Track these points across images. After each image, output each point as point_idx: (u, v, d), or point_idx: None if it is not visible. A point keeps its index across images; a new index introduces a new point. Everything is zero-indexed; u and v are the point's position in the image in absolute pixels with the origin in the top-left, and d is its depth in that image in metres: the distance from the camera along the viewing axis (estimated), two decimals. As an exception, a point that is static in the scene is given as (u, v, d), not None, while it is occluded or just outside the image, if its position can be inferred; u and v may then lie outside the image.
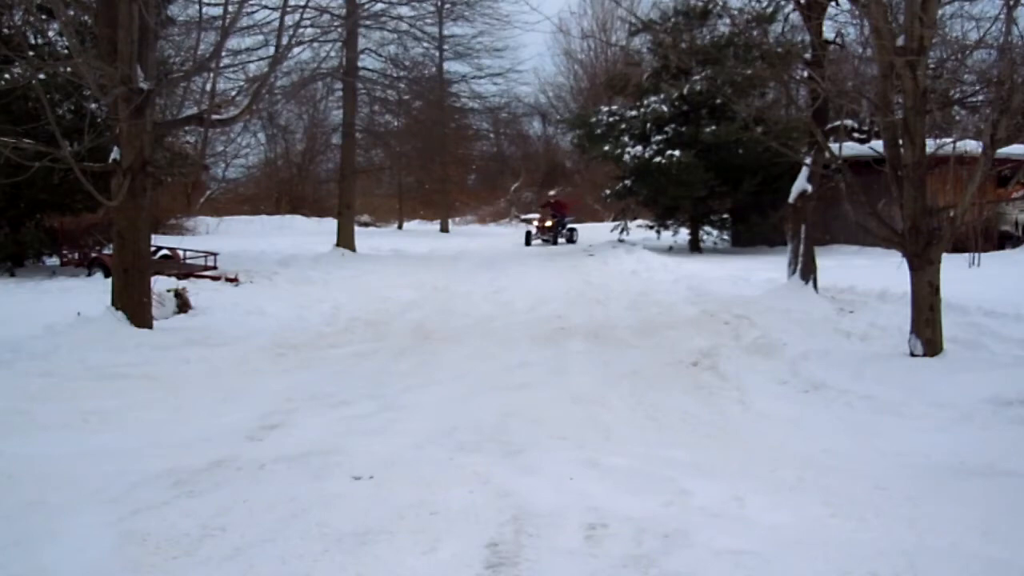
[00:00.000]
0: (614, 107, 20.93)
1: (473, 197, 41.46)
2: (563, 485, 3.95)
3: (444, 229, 33.70)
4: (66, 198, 14.99)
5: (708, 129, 18.30)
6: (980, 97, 7.44)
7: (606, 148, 19.67)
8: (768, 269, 12.43)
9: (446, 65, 29.78)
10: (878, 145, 7.24)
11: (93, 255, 14.84)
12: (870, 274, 10.61)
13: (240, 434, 4.99)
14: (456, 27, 28.24)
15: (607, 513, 3.56)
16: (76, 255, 15.72)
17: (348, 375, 6.97)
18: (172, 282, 10.72)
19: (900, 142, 6.46)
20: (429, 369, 7.20)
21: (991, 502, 3.73)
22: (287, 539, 3.33)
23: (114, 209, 8.70)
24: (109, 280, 9.54)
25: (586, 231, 25.78)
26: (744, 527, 3.44)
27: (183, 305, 9.90)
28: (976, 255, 12.20)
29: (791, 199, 10.26)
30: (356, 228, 22.89)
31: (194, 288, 10.87)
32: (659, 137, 18.91)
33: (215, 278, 13.22)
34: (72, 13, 10.63)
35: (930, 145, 6.87)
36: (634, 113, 19.58)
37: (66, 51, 11.69)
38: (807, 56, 9.21)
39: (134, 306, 8.47)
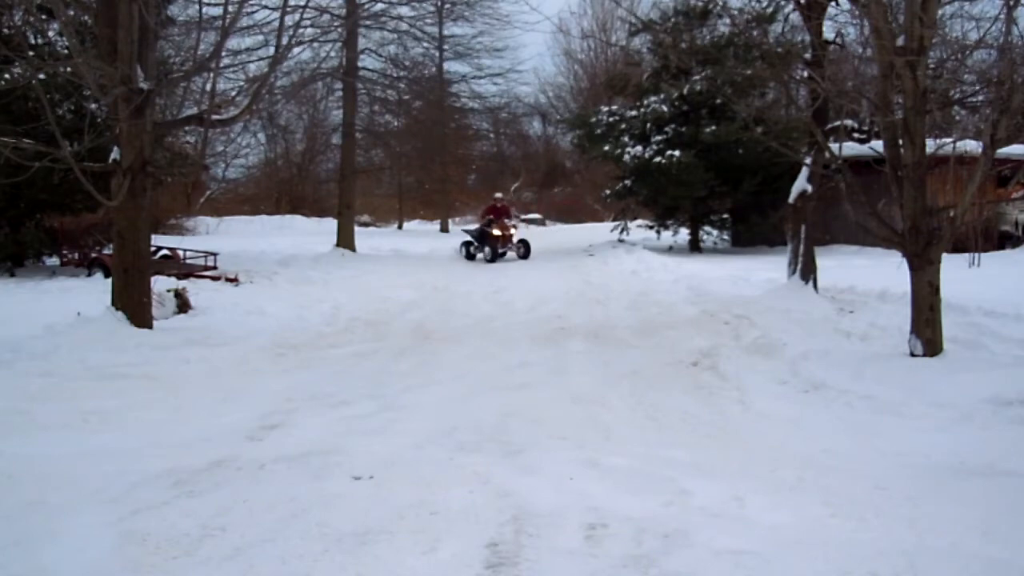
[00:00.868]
0: (614, 107, 20.94)
1: (473, 197, 41.42)
2: (563, 485, 3.95)
3: (444, 229, 33.70)
4: (66, 198, 14.99)
5: (708, 129, 18.30)
6: (980, 97, 7.44)
7: (606, 148, 19.67)
8: (768, 269, 12.44)
9: (446, 65, 29.81)
10: (878, 145, 7.24)
11: (93, 255, 14.84)
12: (870, 274, 10.61)
13: (240, 434, 4.99)
14: (456, 27, 28.27)
15: (607, 513, 3.56)
16: (76, 255, 15.71)
17: (348, 375, 6.97)
18: (172, 282, 10.72)
19: (900, 142, 6.46)
20: (429, 369, 7.20)
21: (991, 502, 3.73)
22: (287, 539, 3.33)
23: (114, 209, 8.69)
24: (109, 280, 9.54)
25: (586, 231, 25.78)
26: (744, 527, 3.44)
27: (183, 305, 9.90)
28: (976, 255, 12.20)
29: (791, 199, 10.26)
30: (356, 228, 22.89)
31: (194, 288, 10.87)
32: (659, 137, 18.92)
33: (215, 278, 13.22)
34: (72, 13, 10.63)
35: (930, 145, 6.86)
36: (634, 113, 19.58)
37: (66, 51, 11.69)
38: (807, 56, 9.21)
39: (134, 306, 8.46)
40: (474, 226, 20.23)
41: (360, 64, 22.08)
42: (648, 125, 19.21)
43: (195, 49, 10.08)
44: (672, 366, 7.06)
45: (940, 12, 6.76)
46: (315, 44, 17.78)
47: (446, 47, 28.80)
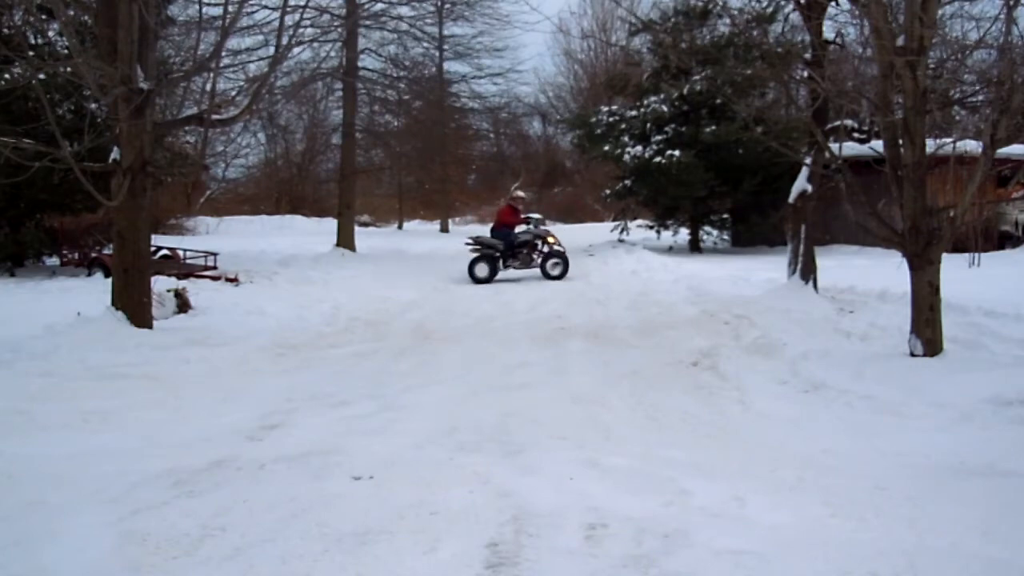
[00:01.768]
0: (614, 107, 20.95)
1: (473, 197, 41.44)
2: (563, 485, 3.95)
3: (444, 229, 33.70)
4: (66, 198, 14.99)
5: (708, 129, 18.31)
6: (980, 97, 7.44)
7: (606, 148, 19.67)
8: (768, 269, 12.44)
9: (446, 65, 29.81)
10: (878, 145, 7.24)
11: (93, 255, 14.84)
12: (870, 274, 10.62)
13: (240, 434, 4.99)
14: (456, 27, 28.26)
15: (607, 513, 3.56)
16: (76, 255, 15.71)
17: (348, 375, 6.97)
18: (172, 282, 10.72)
19: (900, 142, 6.46)
20: (429, 369, 7.20)
21: (991, 502, 3.72)
22: (287, 539, 3.33)
23: (114, 209, 8.69)
24: (109, 280, 9.53)
25: (586, 231, 25.76)
26: (744, 527, 3.44)
27: (183, 305, 9.89)
28: (976, 255, 12.20)
29: (791, 199, 10.26)
30: (356, 228, 22.88)
31: (194, 288, 10.87)
32: (659, 137, 18.92)
33: (215, 278, 13.22)
34: (72, 13, 10.63)
35: (930, 145, 6.86)
36: (634, 113, 19.59)
37: (66, 51, 11.69)
38: (807, 56, 9.21)
39: (134, 306, 8.46)
40: (482, 232, 16.30)
41: (360, 64, 22.07)
42: (648, 125, 19.22)
43: (195, 49, 10.08)
44: (672, 366, 7.06)
45: (940, 12, 6.76)
46: (315, 44, 17.79)
47: (446, 47, 28.80)
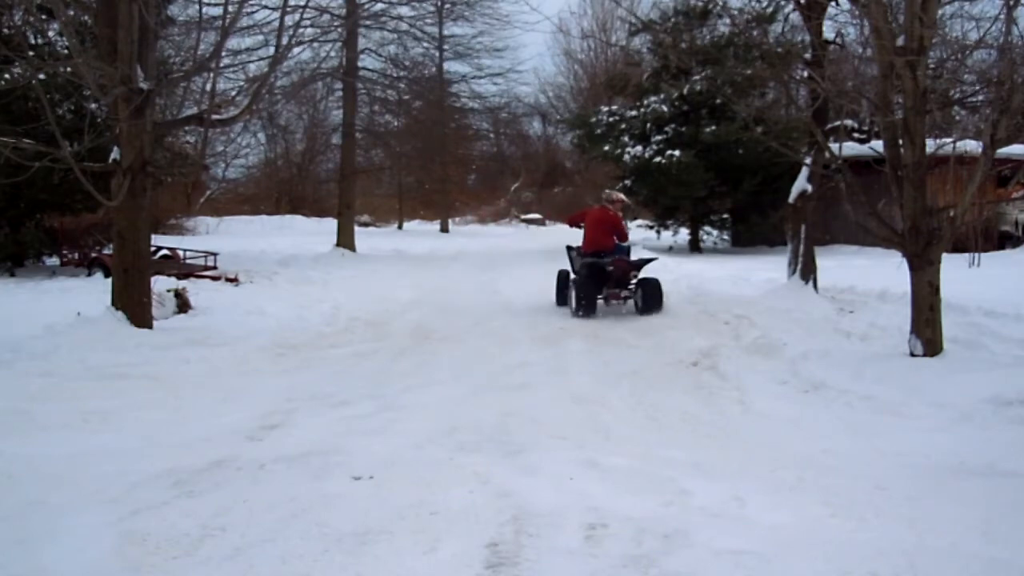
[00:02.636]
0: (614, 107, 20.96)
1: (473, 197, 41.48)
2: (563, 485, 3.95)
3: (444, 229, 33.70)
4: (66, 198, 14.99)
5: (708, 129, 18.32)
6: (980, 97, 7.44)
7: (606, 148, 19.68)
8: (768, 269, 12.43)
9: (446, 65, 29.82)
10: (878, 145, 7.24)
11: (93, 255, 14.84)
12: (870, 274, 10.62)
13: (240, 434, 4.99)
14: (456, 27, 28.28)
15: (607, 513, 3.56)
16: (76, 255, 15.72)
17: (348, 375, 6.97)
18: (172, 282, 10.72)
19: (900, 142, 6.46)
20: (429, 369, 7.20)
21: (991, 502, 3.72)
22: (287, 539, 3.33)
23: (114, 209, 8.69)
24: (109, 280, 9.53)
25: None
26: (744, 527, 3.44)
27: (183, 305, 9.90)
28: (976, 255, 12.20)
29: (791, 199, 10.27)
30: (356, 228, 22.89)
31: (194, 288, 10.87)
32: (659, 137, 18.93)
33: (215, 278, 13.23)
34: (72, 13, 10.63)
35: (930, 145, 6.87)
36: (634, 113, 19.59)
37: (66, 51, 11.69)
38: (807, 56, 9.21)
39: (134, 306, 8.46)
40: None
41: (360, 64, 22.09)
42: (648, 125, 19.22)
43: (195, 49, 10.08)
44: (672, 366, 7.06)
45: (940, 12, 6.77)
46: (315, 44, 17.79)
47: (446, 47, 28.81)
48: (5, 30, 13.09)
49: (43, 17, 12.49)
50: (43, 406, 5.56)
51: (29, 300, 10.94)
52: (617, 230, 10.43)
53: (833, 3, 9.34)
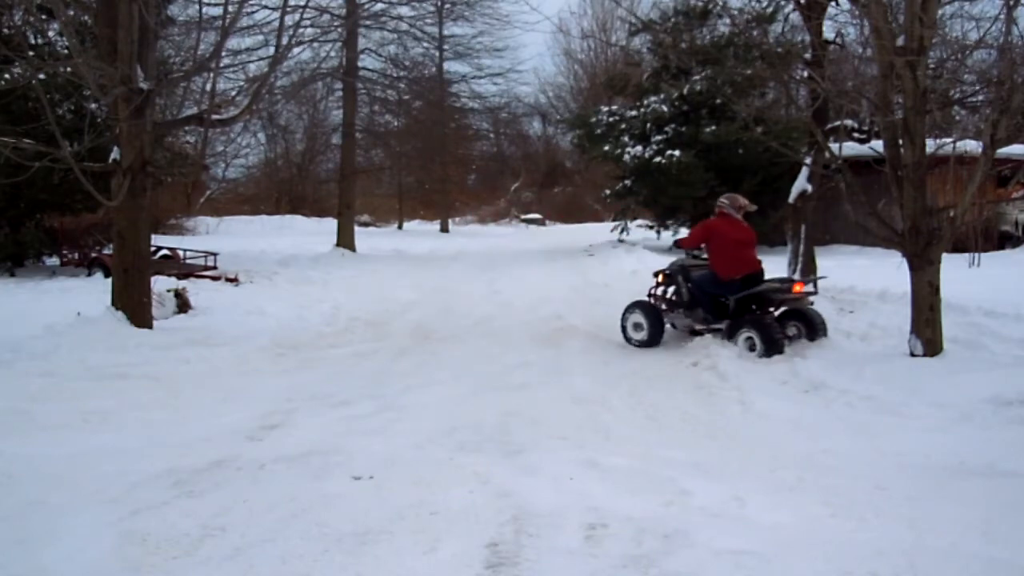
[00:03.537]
0: (614, 107, 20.93)
1: (473, 197, 41.50)
2: (563, 485, 3.95)
3: (444, 229, 33.71)
4: (66, 198, 14.99)
5: (708, 129, 18.30)
6: (980, 97, 7.44)
7: (606, 148, 19.67)
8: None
9: (446, 65, 29.82)
10: (878, 145, 7.25)
11: (93, 255, 14.85)
12: (870, 274, 10.61)
13: (240, 434, 4.99)
14: (456, 27, 28.29)
15: (607, 513, 3.56)
16: (76, 255, 15.72)
17: (348, 375, 6.97)
18: (172, 282, 10.72)
19: (900, 142, 6.47)
20: (429, 369, 7.20)
21: (991, 502, 3.72)
22: (287, 539, 3.33)
23: (114, 209, 8.69)
24: (109, 280, 9.53)
25: (586, 231, 25.76)
26: (744, 527, 3.44)
27: (183, 305, 9.90)
28: (976, 255, 12.20)
29: (791, 199, 10.28)
30: (356, 228, 22.88)
31: (194, 288, 10.87)
32: (659, 137, 18.92)
33: (215, 278, 13.23)
34: (72, 13, 10.63)
35: (930, 145, 6.87)
36: (634, 113, 19.58)
37: (66, 51, 11.69)
38: (807, 56, 9.22)
39: (134, 306, 8.47)
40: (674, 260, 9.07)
41: (360, 64, 22.08)
42: (648, 125, 19.21)
43: (195, 49, 10.08)
44: (672, 366, 7.06)
45: (940, 12, 6.77)
46: (315, 44, 17.78)
47: (446, 47, 28.82)
48: (5, 30, 13.09)
49: (43, 17, 12.50)
50: (43, 406, 5.56)
51: (29, 300, 10.94)
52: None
53: (833, 3, 9.35)
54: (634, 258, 16.29)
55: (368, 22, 20.29)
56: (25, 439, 4.84)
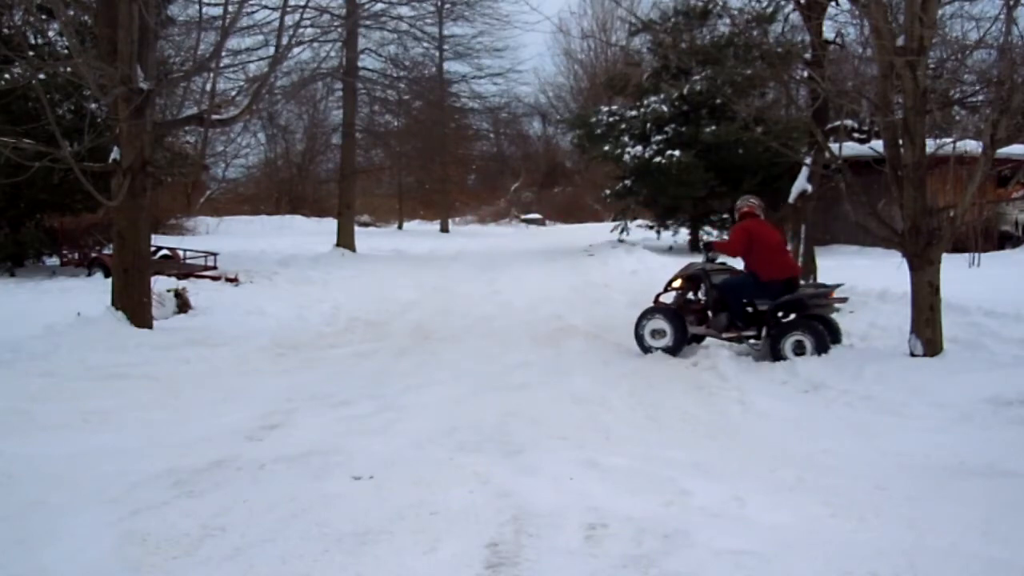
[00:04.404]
0: (614, 107, 20.93)
1: (473, 197, 41.47)
2: (563, 485, 3.95)
3: (444, 229, 33.69)
4: (66, 198, 14.99)
5: (708, 129, 18.30)
6: (980, 97, 7.45)
7: (606, 148, 19.67)
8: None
9: (446, 65, 29.80)
10: (878, 145, 7.25)
11: (93, 255, 14.84)
12: (870, 274, 10.60)
13: (240, 434, 4.99)
14: (456, 27, 28.26)
15: (607, 513, 3.56)
16: (76, 255, 15.72)
17: (348, 375, 6.97)
18: (172, 282, 10.72)
19: (900, 142, 6.47)
20: (429, 369, 7.20)
21: (991, 502, 3.73)
22: (287, 539, 3.33)
23: (114, 209, 8.70)
24: (109, 280, 9.54)
25: (586, 231, 25.75)
26: (744, 527, 3.44)
27: (183, 305, 9.90)
28: (976, 255, 12.20)
29: (791, 199, 10.28)
30: (356, 228, 22.87)
31: (194, 288, 10.87)
32: (659, 137, 18.91)
33: (215, 278, 13.23)
34: (72, 13, 10.63)
35: (930, 145, 6.87)
36: (634, 113, 19.58)
37: (66, 51, 11.69)
38: (807, 56, 9.22)
39: (134, 306, 8.47)
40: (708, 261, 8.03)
41: (360, 64, 22.07)
42: (648, 125, 19.21)
43: (195, 49, 10.08)
44: (672, 366, 7.06)
45: (940, 12, 6.77)
46: (315, 44, 17.76)
47: (446, 47, 28.80)
48: (5, 30, 13.08)
49: (43, 17, 12.49)
50: (43, 406, 5.56)
51: (29, 300, 10.94)
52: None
53: (833, 3, 9.35)
54: (634, 258, 16.30)
55: (368, 22, 20.29)
56: (25, 439, 4.84)
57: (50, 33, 13.76)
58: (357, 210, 27.33)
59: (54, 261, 16.07)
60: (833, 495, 3.81)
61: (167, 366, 7.06)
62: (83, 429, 5.15)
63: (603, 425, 5.22)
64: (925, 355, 6.31)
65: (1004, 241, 16.19)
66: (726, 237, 8.50)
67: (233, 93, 12.12)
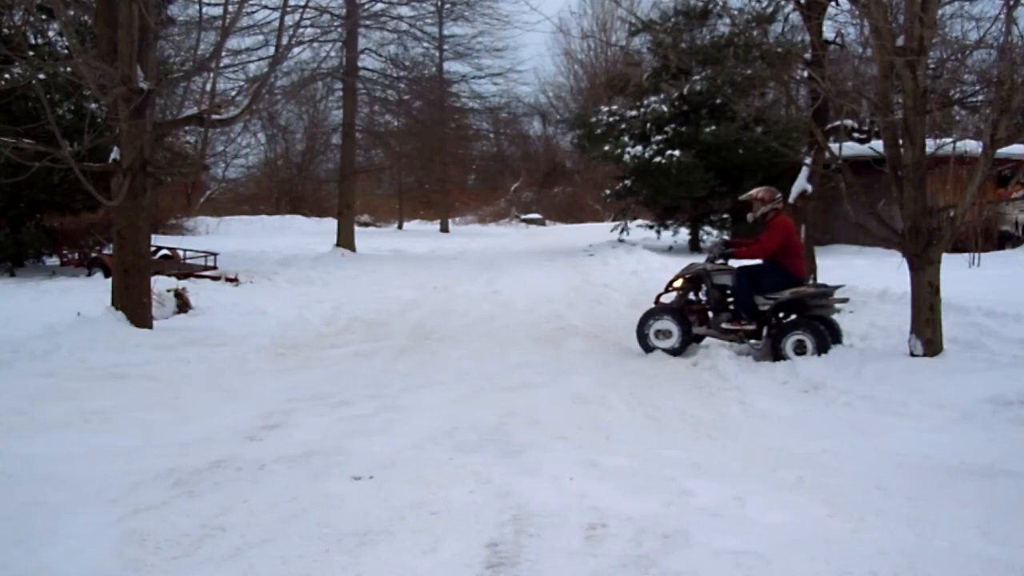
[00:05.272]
0: (614, 107, 20.94)
1: (473, 197, 41.48)
2: (563, 485, 3.95)
3: (444, 229, 33.70)
4: (66, 198, 14.98)
5: (708, 129, 18.31)
6: (980, 97, 7.44)
7: (606, 148, 19.67)
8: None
9: (446, 65, 29.80)
10: (878, 145, 7.25)
11: (93, 255, 14.84)
12: (870, 274, 10.61)
13: (240, 434, 4.99)
14: (456, 27, 28.25)
15: (607, 513, 3.56)
16: (76, 255, 15.72)
17: (348, 375, 6.97)
18: (172, 282, 10.71)
19: (900, 142, 6.47)
20: (429, 369, 7.20)
21: (991, 502, 3.72)
22: (287, 539, 3.33)
23: (114, 209, 8.70)
24: (109, 280, 9.54)
25: (586, 231, 25.74)
26: (744, 527, 3.44)
27: (183, 305, 9.90)
28: (976, 255, 12.21)
29: (791, 199, 10.27)
30: (356, 228, 22.88)
31: (194, 288, 10.87)
32: (659, 137, 18.92)
33: (215, 278, 13.23)
34: (72, 13, 10.62)
35: (930, 145, 6.87)
36: (634, 113, 19.59)
37: (66, 51, 11.70)
38: (807, 56, 9.22)
39: (134, 306, 8.46)
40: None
41: (360, 64, 22.07)
42: (648, 125, 19.21)
43: (195, 49, 10.07)
44: (672, 366, 7.06)
45: (940, 12, 6.77)
46: (315, 44, 17.81)
47: (446, 47, 28.80)
48: (5, 30, 13.08)
49: (43, 17, 12.51)
50: (43, 406, 5.55)
51: (29, 300, 10.94)
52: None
53: (833, 3, 9.35)
54: (634, 258, 16.30)
55: (368, 22, 20.31)
56: (25, 439, 4.83)
57: (50, 33, 13.76)
58: (357, 210, 27.34)
59: (54, 261, 16.07)
60: (833, 495, 3.81)
61: (167, 366, 7.06)
62: (83, 429, 5.15)
63: (603, 425, 5.22)
64: (925, 355, 6.31)
65: (1004, 241, 16.20)
66: (726, 236, 8.43)
67: (233, 93, 12.14)
